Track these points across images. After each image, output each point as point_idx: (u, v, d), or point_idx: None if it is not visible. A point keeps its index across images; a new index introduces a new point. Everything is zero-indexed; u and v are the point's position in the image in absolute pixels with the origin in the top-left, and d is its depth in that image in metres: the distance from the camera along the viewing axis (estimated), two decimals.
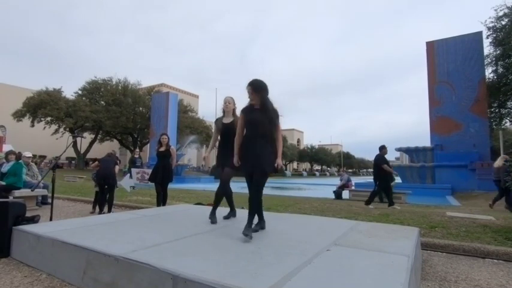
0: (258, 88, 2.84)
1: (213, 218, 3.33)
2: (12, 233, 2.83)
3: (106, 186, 5.65)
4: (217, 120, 3.54)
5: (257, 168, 2.75)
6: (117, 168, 5.96)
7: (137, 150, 18.94)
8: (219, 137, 3.53)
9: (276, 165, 2.84)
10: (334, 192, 10.52)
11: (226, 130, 3.35)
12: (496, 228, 4.21)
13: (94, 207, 5.96)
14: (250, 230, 2.61)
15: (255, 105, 2.87)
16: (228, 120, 3.40)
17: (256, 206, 2.81)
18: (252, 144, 2.81)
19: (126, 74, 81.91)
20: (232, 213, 3.70)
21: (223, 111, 3.47)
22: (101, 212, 5.62)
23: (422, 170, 14.93)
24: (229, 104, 3.41)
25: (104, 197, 5.67)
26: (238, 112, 3.35)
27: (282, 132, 3.09)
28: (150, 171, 6.71)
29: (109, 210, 5.60)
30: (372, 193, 7.41)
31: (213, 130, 3.45)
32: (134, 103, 33.64)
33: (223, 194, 3.44)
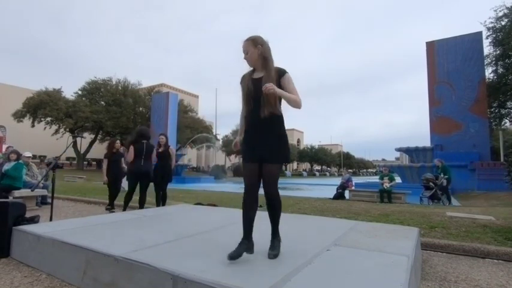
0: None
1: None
2: (12, 233, 2.83)
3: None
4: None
5: None
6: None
7: None
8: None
9: None
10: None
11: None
12: (496, 228, 4.21)
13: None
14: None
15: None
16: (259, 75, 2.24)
17: None
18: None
19: (126, 74, 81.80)
20: None
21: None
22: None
23: (422, 170, 14.92)
24: None
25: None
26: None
27: None
28: None
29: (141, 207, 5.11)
30: None
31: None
32: (134, 103, 33.68)
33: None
